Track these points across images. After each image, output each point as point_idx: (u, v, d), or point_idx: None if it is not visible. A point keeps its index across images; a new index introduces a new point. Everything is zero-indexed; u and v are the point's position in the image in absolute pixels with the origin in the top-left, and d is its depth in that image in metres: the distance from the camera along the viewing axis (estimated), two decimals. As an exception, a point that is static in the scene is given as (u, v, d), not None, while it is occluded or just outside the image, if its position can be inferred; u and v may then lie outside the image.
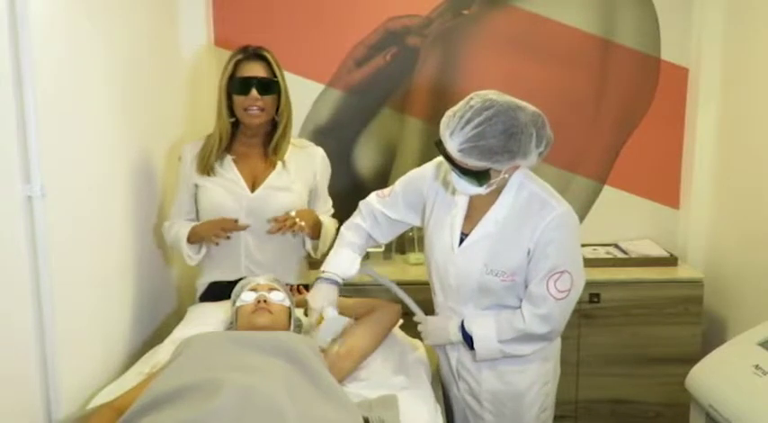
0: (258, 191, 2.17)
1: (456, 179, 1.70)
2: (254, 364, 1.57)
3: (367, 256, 2.00)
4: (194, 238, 2.17)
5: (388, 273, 2.64)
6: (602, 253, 2.87)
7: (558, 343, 1.92)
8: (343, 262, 1.91)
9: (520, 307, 1.79)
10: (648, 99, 2.92)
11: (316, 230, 2.20)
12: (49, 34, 1.67)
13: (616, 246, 2.95)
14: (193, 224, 2.18)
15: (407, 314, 1.99)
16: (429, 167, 1.92)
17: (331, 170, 2.33)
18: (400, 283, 2.01)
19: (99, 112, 1.97)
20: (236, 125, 2.19)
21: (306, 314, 1.94)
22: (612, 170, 2.98)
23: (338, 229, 2.05)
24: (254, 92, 2.10)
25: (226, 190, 2.17)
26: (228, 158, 2.19)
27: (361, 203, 2.00)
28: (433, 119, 2.86)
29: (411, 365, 1.96)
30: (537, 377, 1.87)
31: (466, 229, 1.82)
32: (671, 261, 2.80)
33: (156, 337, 2.28)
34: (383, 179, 2.94)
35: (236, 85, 2.12)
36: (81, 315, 1.85)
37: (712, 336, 2.78)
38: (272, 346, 1.64)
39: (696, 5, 2.83)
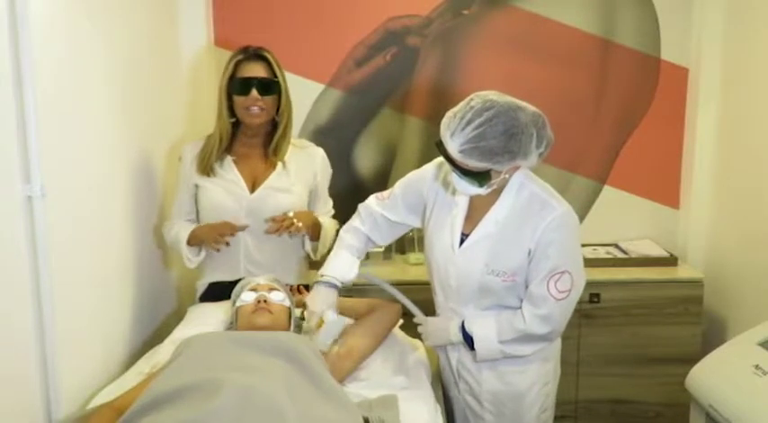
0: (258, 191, 2.17)
1: (456, 180, 1.70)
2: (254, 364, 1.57)
3: (367, 257, 2.00)
4: (194, 240, 2.17)
5: (388, 273, 2.67)
6: (602, 253, 2.87)
7: (558, 343, 1.92)
8: (342, 265, 1.90)
9: (520, 307, 1.79)
10: (648, 99, 2.92)
11: (314, 232, 2.20)
12: (49, 34, 1.67)
13: (616, 246, 2.95)
14: (193, 226, 2.18)
15: (407, 314, 1.99)
16: (429, 168, 1.91)
17: (331, 170, 2.33)
18: (400, 284, 2.01)
19: (99, 112, 1.97)
20: (236, 125, 2.19)
21: (303, 317, 1.93)
22: (612, 170, 2.98)
23: (338, 231, 2.05)
24: (254, 92, 2.10)
25: (226, 190, 2.17)
26: (229, 159, 2.19)
27: (361, 206, 2.00)
28: (433, 119, 2.86)
29: (411, 365, 1.96)
30: (537, 377, 1.87)
31: (466, 229, 1.82)
32: (671, 261, 2.80)
33: (156, 337, 2.28)
34: (383, 179, 2.94)
35: (236, 86, 2.12)
36: (81, 315, 1.85)
37: (712, 336, 2.78)
38: (272, 346, 1.64)
39: (696, 5, 2.83)
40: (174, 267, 2.58)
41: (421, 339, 1.99)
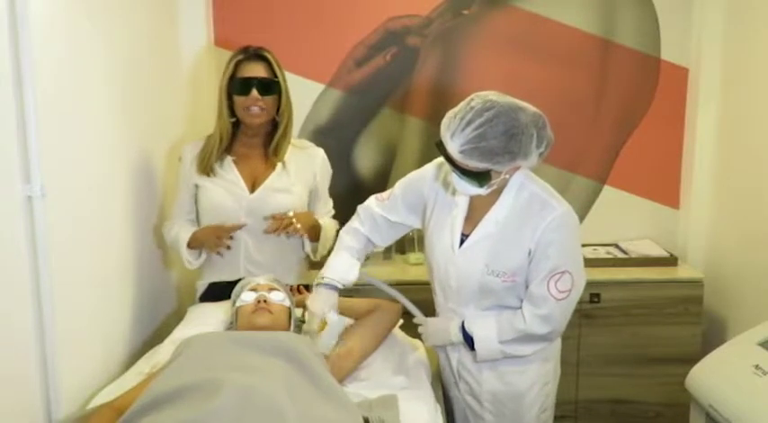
0: (257, 192, 2.17)
1: (456, 180, 1.70)
2: (254, 364, 1.57)
3: (367, 257, 1.99)
4: (194, 243, 2.17)
5: (388, 273, 2.67)
6: (602, 253, 2.87)
7: (558, 343, 1.92)
8: (342, 267, 1.89)
9: (520, 308, 1.79)
10: (648, 99, 2.92)
11: (314, 233, 2.20)
12: (49, 34, 1.67)
13: (616, 246, 2.95)
14: (194, 229, 2.18)
15: (408, 314, 1.99)
16: (429, 168, 1.91)
17: (331, 171, 2.33)
18: (400, 284, 2.01)
19: (99, 112, 1.97)
20: (236, 125, 2.19)
21: (303, 320, 1.92)
22: (612, 170, 2.98)
23: (338, 231, 2.05)
24: (254, 92, 2.10)
25: (225, 190, 2.17)
26: (229, 159, 2.19)
27: (360, 208, 1.99)
28: (433, 119, 2.86)
29: (411, 365, 1.96)
30: (537, 377, 1.87)
31: (466, 229, 1.82)
32: (671, 261, 2.80)
33: (156, 337, 2.28)
34: (383, 179, 2.94)
35: (236, 86, 2.12)
36: (81, 315, 1.85)
37: (712, 336, 2.78)
38: (272, 346, 1.64)
39: (696, 5, 2.83)
40: (174, 267, 2.58)
41: (421, 340, 1.99)
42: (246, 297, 1.87)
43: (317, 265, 2.24)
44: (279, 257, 2.22)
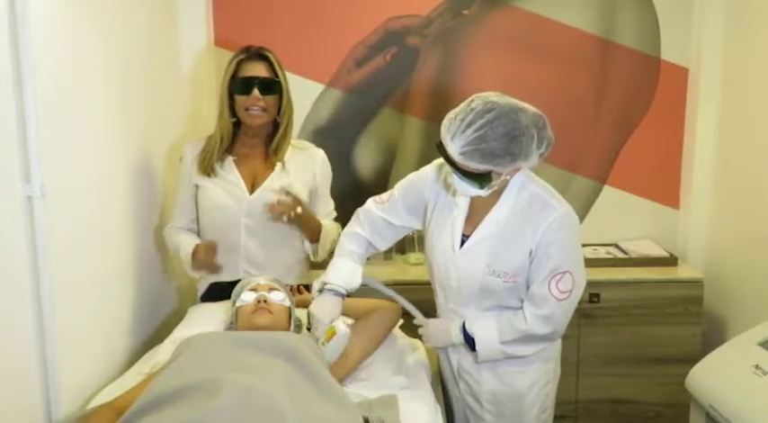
0: (257, 193, 2.16)
1: (457, 181, 1.70)
2: (254, 364, 1.57)
3: (367, 258, 1.99)
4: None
5: (388, 273, 2.67)
6: (602, 253, 2.87)
7: (558, 343, 1.92)
8: (346, 273, 1.87)
9: (521, 308, 1.79)
10: (648, 99, 2.93)
11: (314, 234, 2.19)
12: (49, 34, 1.67)
13: (616, 246, 2.95)
14: (194, 242, 2.15)
15: (407, 314, 1.99)
16: (429, 170, 1.91)
17: (331, 172, 2.32)
18: (400, 284, 2.01)
19: (99, 112, 1.97)
20: (237, 125, 2.19)
21: (308, 328, 1.91)
22: (612, 170, 2.98)
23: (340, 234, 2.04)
24: (255, 92, 2.10)
25: (225, 191, 2.17)
26: (229, 159, 2.19)
27: (360, 211, 1.97)
28: (434, 119, 2.87)
29: (411, 366, 1.96)
30: (537, 378, 1.87)
31: (467, 230, 1.82)
32: (671, 261, 2.80)
33: (156, 337, 2.28)
34: (383, 179, 2.94)
35: (237, 85, 2.12)
36: (81, 315, 1.85)
37: (712, 336, 2.78)
38: (272, 346, 1.64)
39: (696, 5, 2.83)
40: (175, 267, 2.58)
41: (421, 340, 1.99)
42: (246, 297, 1.87)
43: (317, 265, 2.24)
44: (279, 258, 2.22)
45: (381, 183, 2.92)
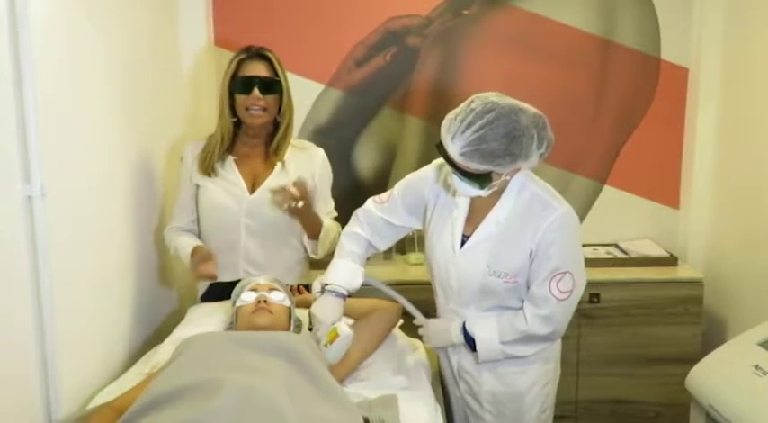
0: (257, 193, 2.16)
1: (457, 182, 1.69)
2: (254, 364, 1.57)
3: (367, 258, 1.99)
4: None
5: (388, 273, 2.67)
6: (602, 253, 2.87)
7: (558, 344, 1.92)
8: (346, 274, 1.86)
9: (521, 308, 1.79)
10: (648, 99, 2.93)
11: (315, 230, 2.19)
12: (49, 34, 1.67)
13: (616, 246, 2.95)
14: (193, 244, 2.15)
15: (407, 314, 1.99)
16: (429, 170, 1.91)
17: (331, 173, 2.31)
18: (400, 284, 2.01)
19: (99, 112, 1.97)
20: (237, 125, 2.20)
21: (310, 328, 1.91)
22: (612, 170, 2.98)
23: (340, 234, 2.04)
24: (256, 91, 2.10)
25: (226, 191, 2.17)
26: (230, 159, 2.19)
27: (359, 211, 1.97)
28: (434, 119, 2.87)
29: (411, 366, 1.96)
30: (537, 378, 1.87)
31: (467, 230, 1.81)
32: (671, 261, 2.80)
33: (156, 337, 2.28)
34: (383, 179, 2.94)
35: (238, 85, 2.12)
36: (81, 315, 1.85)
37: (712, 336, 2.78)
38: (272, 346, 1.64)
39: (696, 5, 2.83)
40: (175, 267, 2.58)
41: (421, 340, 1.99)
42: (246, 297, 1.87)
43: (318, 265, 2.24)
44: (279, 258, 2.22)
45: (381, 183, 2.92)
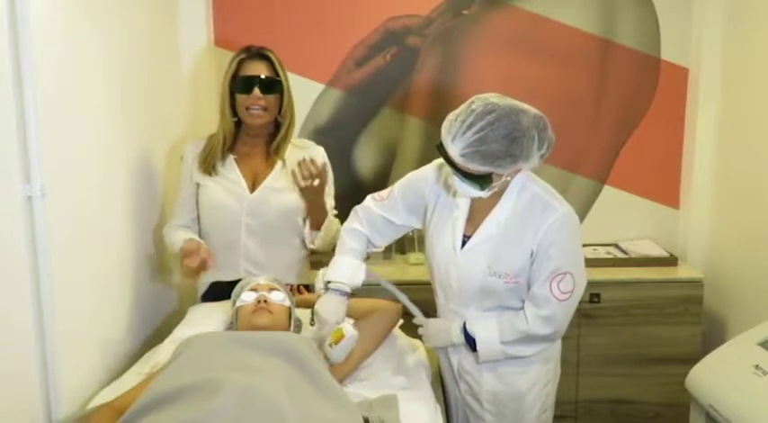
0: (257, 192, 2.17)
1: (458, 182, 1.69)
2: (254, 364, 1.57)
3: (367, 257, 1.99)
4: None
5: (388, 273, 2.67)
6: (602, 253, 2.87)
7: (558, 344, 1.92)
8: (348, 271, 1.86)
9: (521, 308, 1.79)
10: (648, 99, 2.92)
11: (319, 219, 2.18)
12: (49, 34, 1.67)
13: (616, 246, 2.95)
14: (188, 237, 2.15)
15: (407, 314, 1.99)
16: (430, 170, 1.90)
17: (331, 172, 2.31)
18: (400, 284, 2.00)
19: (99, 112, 1.97)
20: (238, 125, 2.20)
21: (312, 323, 1.90)
22: (612, 170, 2.98)
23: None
24: (256, 90, 2.10)
25: (226, 190, 2.17)
26: (231, 158, 2.19)
27: (358, 208, 1.97)
28: (434, 119, 2.87)
29: (411, 366, 1.96)
30: (538, 378, 1.87)
31: (468, 231, 1.81)
32: (671, 261, 2.80)
33: (156, 337, 2.28)
34: (383, 179, 2.94)
35: (238, 84, 2.12)
36: (81, 315, 1.85)
37: (712, 336, 2.78)
38: (272, 346, 1.64)
39: (696, 5, 2.83)
40: (175, 267, 2.58)
41: (421, 340, 1.99)
42: (246, 297, 1.87)
43: (318, 264, 2.24)
44: (279, 257, 2.22)
45: (381, 183, 2.92)
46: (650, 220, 3.00)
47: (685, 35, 2.87)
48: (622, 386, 2.73)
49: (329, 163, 2.30)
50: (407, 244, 2.89)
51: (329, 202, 2.31)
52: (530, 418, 1.88)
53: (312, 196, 2.12)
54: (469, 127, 1.59)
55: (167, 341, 1.99)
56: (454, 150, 1.62)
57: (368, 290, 2.02)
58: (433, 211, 1.88)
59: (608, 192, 2.99)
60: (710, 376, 2.08)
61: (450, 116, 1.64)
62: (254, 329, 1.78)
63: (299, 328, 1.95)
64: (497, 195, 1.75)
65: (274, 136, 2.20)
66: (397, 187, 1.94)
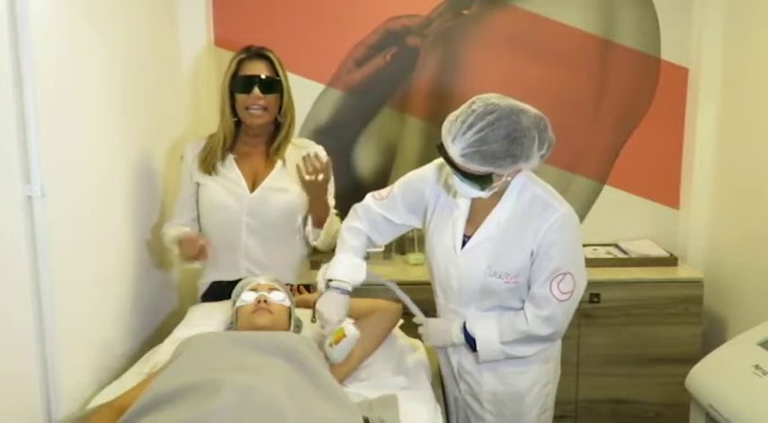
0: (257, 191, 2.17)
1: (458, 183, 1.69)
2: (254, 364, 1.57)
3: (367, 257, 1.99)
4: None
5: (388, 273, 2.66)
6: (602, 253, 2.87)
7: (558, 344, 1.92)
8: (350, 269, 1.86)
9: (521, 308, 1.79)
10: (648, 99, 2.92)
11: (322, 216, 2.18)
12: (49, 34, 1.67)
13: (616, 246, 2.95)
14: (185, 230, 2.16)
15: (407, 314, 1.99)
16: (430, 170, 1.90)
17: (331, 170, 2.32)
18: (400, 284, 2.00)
19: (99, 112, 1.97)
20: (238, 125, 2.20)
21: (313, 320, 1.91)
22: (612, 170, 2.98)
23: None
24: (256, 90, 2.10)
25: (226, 189, 2.17)
26: (230, 157, 2.19)
27: (358, 206, 1.97)
28: (434, 119, 2.87)
29: (411, 366, 1.96)
30: (538, 378, 1.87)
31: (468, 231, 1.81)
32: (671, 261, 2.80)
33: (156, 337, 2.28)
34: (383, 179, 2.94)
35: (238, 84, 2.12)
36: (81, 315, 1.85)
37: (712, 336, 2.78)
38: (272, 347, 1.64)
39: (696, 5, 2.83)
40: (175, 267, 2.58)
41: (421, 340, 1.99)
42: (247, 297, 1.87)
43: (317, 264, 2.24)
44: (279, 257, 2.22)
45: (381, 183, 2.90)
46: (650, 220, 3.00)
47: (685, 35, 2.86)
48: (622, 386, 2.73)
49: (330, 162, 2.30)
50: (407, 244, 2.89)
51: (330, 200, 2.31)
52: (530, 418, 1.88)
53: (316, 192, 2.12)
54: (470, 127, 1.59)
55: (167, 341, 1.99)
56: (454, 151, 1.62)
57: (368, 290, 2.03)
58: (434, 211, 1.88)
59: (608, 192, 2.99)
60: (710, 376, 2.08)
61: (451, 116, 1.64)
62: (254, 329, 1.78)
63: (299, 328, 1.95)
64: (498, 195, 1.75)
65: (274, 136, 2.20)
66: (396, 186, 1.94)
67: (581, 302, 1.84)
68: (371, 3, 2.84)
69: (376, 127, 2.94)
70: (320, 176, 2.07)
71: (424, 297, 1.98)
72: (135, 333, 2.21)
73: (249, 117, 2.14)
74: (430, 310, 1.97)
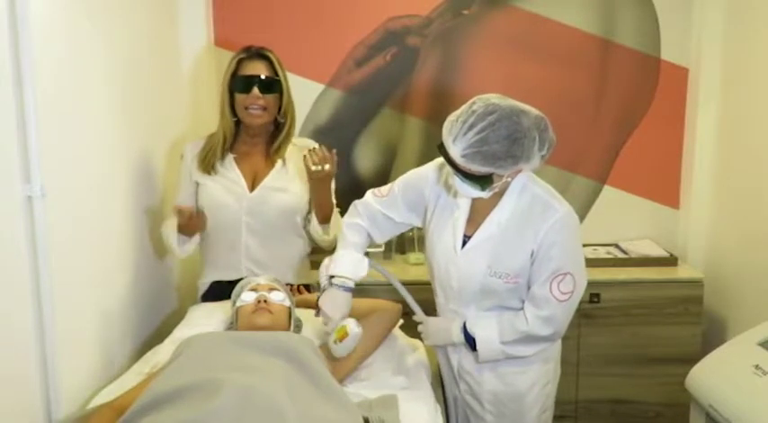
0: (257, 191, 2.17)
1: (458, 183, 1.69)
2: (254, 364, 1.57)
3: (367, 255, 1.99)
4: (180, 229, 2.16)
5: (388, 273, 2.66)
6: (602, 253, 2.87)
7: (558, 344, 1.92)
8: (351, 264, 1.86)
9: (521, 308, 1.79)
10: (648, 99, 2.92)
11: (327, 211, 2.18)
12: (49, 34, 1.67)
13: (616, 246, 2.95)
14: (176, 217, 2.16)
15: (408, 314, 1.99)
16: (430, 170, 1.90)
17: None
18: (400, 283, 2.00)
19: (99, 112, 1.97)
20: (238, 124, 2.20)
21: (317, 314, 1.90)
22: (612, 170, 2.98)
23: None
24: (255, 90, 2.10)
25: (226, 189, 2.17)
26: (230, 157, 2.19)
27: (358, 203, 1.97)
28: (434, 119, 2.87)
29: (411, 366, 1.96)
30: (538, 378, 1.87)
31: (468, 231, 1.81)
32: (671, 261, 2.80)
33: (156, 337, 2.28)
34: (383, 179, 2.93)
35: (238, 84, 2.12)
36: (81, 315, 1.85)
37: (712, 336, 2.78)
38: (272, 347, 1.64)
39: (696, 5, 2.83)
40: (175, 267, 2.58)
41: (421, 339, 1.99)
42: (247, 297, 1.87)
43: (317, 265, 2.24)
44: (280, 256, 2.22)
45: (381, 183, 2.84)
46: (650, 220, 3.00)
47: (685, 35, 2.86)
48: (622, 386, 2.73)
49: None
50: (407, 244, 2.89)
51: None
52: (530, 418, 1.88)
53: (320, 184, 2.12)
54: (470, 128, 1.59)
55: (167, 341, 1.99)
56: (455, 151, 1.61)
57: (368, 290, 2.03)
58: (434, 211, 1.88)
59: (608, 192, 2.99)
60: (710, 376, 2.08)
61: (452, 117, 1.64)
62: (254, 329, 1.78)
63: (299, 328, 1.95)
64: (498, 196, 1.75)
65: (274, 136, 2.21)
66: (397, 185, 1.93)
67: (581, 302, 1.83)
68: (371, 3, 2.84)
69: (376, 127, 2.94)
70: (326, 167, 2.07)
71: (424, 297, 1.98)
72: (135, 333, 2.21)
73: (249, 117, 2.14)
74: (430, 309, 1.97)
